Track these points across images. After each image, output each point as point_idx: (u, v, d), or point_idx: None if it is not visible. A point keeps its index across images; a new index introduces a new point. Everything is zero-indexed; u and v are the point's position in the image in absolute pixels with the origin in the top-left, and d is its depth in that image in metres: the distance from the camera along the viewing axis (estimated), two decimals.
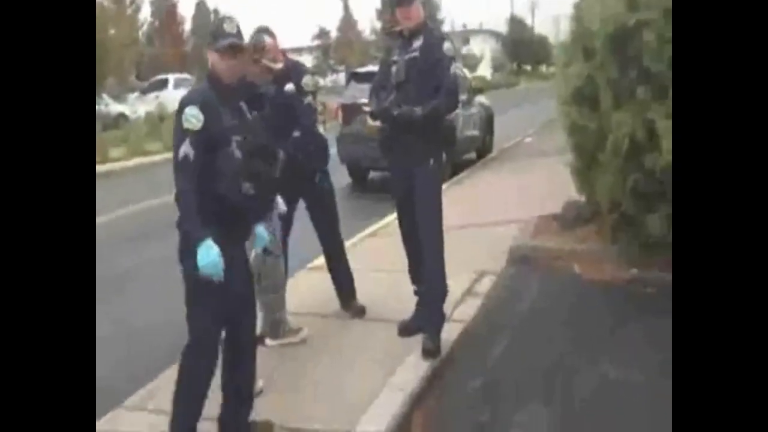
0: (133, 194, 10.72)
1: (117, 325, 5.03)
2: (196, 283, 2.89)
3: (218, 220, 2.87)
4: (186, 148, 2.84)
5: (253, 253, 3.25)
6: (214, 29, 3.14)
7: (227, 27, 3.02)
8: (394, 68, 4.16)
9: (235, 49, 3.01)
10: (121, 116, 23.10)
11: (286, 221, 4.42)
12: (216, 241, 2.81)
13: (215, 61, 3.01)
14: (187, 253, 2.88)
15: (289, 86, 4.48)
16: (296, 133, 4.47)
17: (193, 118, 2.85)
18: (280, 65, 4.37)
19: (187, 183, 2.84)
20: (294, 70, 4.54)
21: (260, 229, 3.24)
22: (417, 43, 4.11)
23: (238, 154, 2.92)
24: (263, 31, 4.46)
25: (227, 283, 2.86)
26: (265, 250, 3.32)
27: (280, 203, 4.06)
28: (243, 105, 3.14)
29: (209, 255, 2.78)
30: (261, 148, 3.04)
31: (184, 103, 2.89)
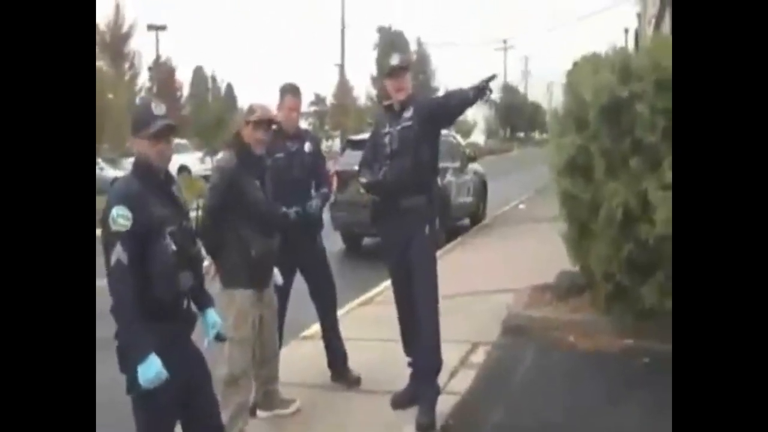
0: None
1: None
2: (137, 394, 2.70)
3: (158, 319, 2.71)
4: (118, 253, 2.62)
5: (206, 342, 3.11)
6: (142, 115, 2.88)
7: (156, 110, 2.83)
8: (386, 139, 4.20)
9: (170, 131, 2.87)
10: (114, 182, 23.26)
11: (284, 292, 4.39)
12: (158, 344, 2.65)
13: (145, 147, 2.81)
14: (125, 363, 2.70)
15: (308, 145, 4.58)
16: (324, 190, 4.65)
17: (121, 218, 2.64)
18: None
19: (123, 288, 2.63)
20: (306, 132, 4.65)
21: (211, 316, 3.04)
22: (408, 113, 4.16)
23: (172, 246, 2.75)
24: (287, 90, 4.57)
25: (174, 380, 2.68)
26: (218, 336, 3.09)
27: (278, 276, 4.06)
28: (174, 189, 2.94)
29: (150, 371, 2.61)
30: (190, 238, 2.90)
31: (109, 205, 2.67)
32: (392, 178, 4.12)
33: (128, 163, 28.22)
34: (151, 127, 2.79)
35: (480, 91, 3.87)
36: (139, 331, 2.65)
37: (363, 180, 4.28)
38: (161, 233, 2.73)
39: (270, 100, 4.56)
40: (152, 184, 2.81)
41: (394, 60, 4.32)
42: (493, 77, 3.92)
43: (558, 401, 4.41)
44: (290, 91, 4.60)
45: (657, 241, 4.70)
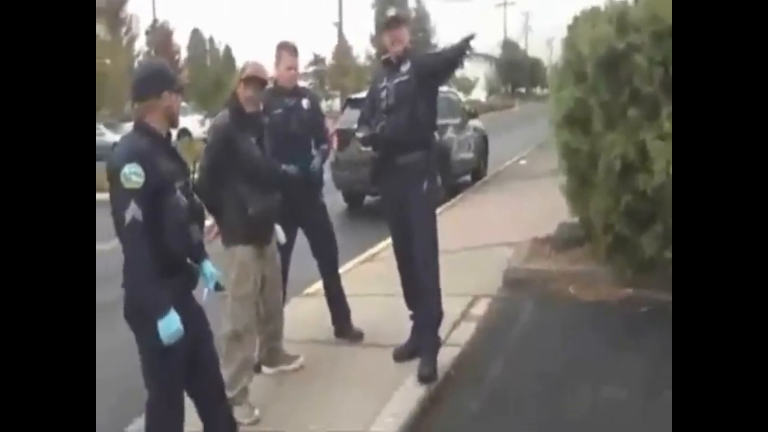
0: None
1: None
2: (153, 350, 2.75)
3: (170, 274, 2.75)
4: (133, 211, 2.62)
5: (205, 292, 3.14)
6: (165, 74, 2.94)
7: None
8: (383, 93, 4.19)
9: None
10: (116, 145, 23.16)
11: (286, 250, 4.42)
12: (173, 301, 2.70)
13: (172, 101, 2.88)
14: (140, 320, 2.74)
15: (306, 102, 4.58)
16: (324, 146, 4.68)
17: (134, 175, 2.64)
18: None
19: (140, 246, 2.64)
20: (304, 89, 4.65)
21: (207, 267, 3.06)
22: (405, 68, 4.15)
23: (183, 201, 2.80)
24: (283, 48, 4.55)
25: (186, 335, 2.73)
26: (217, 286, 3.13)
27: (280, 233, 4.08)
28: (177, 146, 2.98)
29: (171, 327, 2.66)
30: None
31: (119, 162, 2.66)
32: (389, 133, 4.13)
33: (127, 127, 27.94)
34: (177, 83, 2.91)
35: (465, 42, 3.87)
36: (157, 287, 2.68)
37: (359, 134, 4.29)
38: (172, 188, 2.77)
39: (268, 61, 4.54)
40: (158, 140, 2.84)
41: (391, 12, 4.33)
42: (472, 36, 3.92)
43: (558, 351, 4.47)
44: (286, 48, 4.57)
45: (655, 191, 4.72)
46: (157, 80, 2.88)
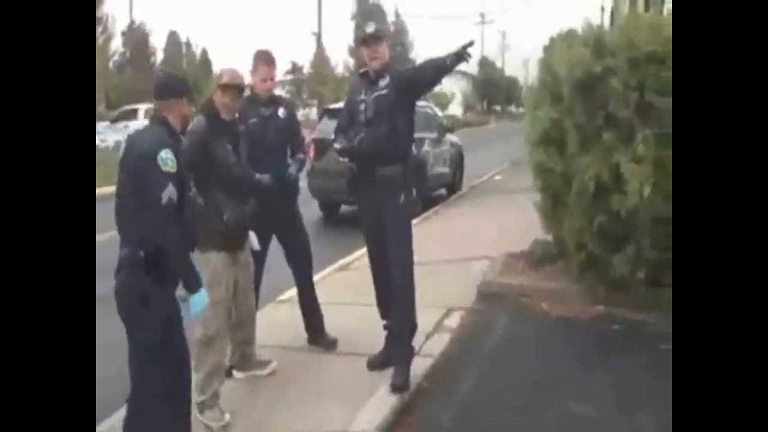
0: (99, 224, 10.55)
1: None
2: (156, 339, 2.82)
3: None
4: (170, 191, 2.80)
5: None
6: (187, 83, 3.28)
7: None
8: (362, 107, 4.23)
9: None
10: (135, 135, 22.87)
11: (260, 257, 4.42)
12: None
13: (185, 108, 3.14)
14: (138, 312, 2.81)
15: (282, 111, 4.59)
16: (300, 155, 4.70)
17: (170, 161, 2.83)
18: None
19: (173, 228, 2.81)
20: (281, 98, 4.65)
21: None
22: (384, 82, 4.19)
23: (198, 198, 3.03)
24: (260, 59, 4.52)
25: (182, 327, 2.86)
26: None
27: (254, 240, 4.09)
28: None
29: (202, 302, 2.83)
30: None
31: (154, 147, 2.84)
32: (367, 146, 4.17)
33: (102, 127, 27.24)
34: (192, 94, 3.21)
35: (458, 57, 3.91)
36: (191, 263, 2.87)
37: (337, 146, 4.32)
38: (187, 180, 3.00)
39: (244, 67, 4.54)
40: (176, 137, 3.08)
41: (370, 28, 4.33)
42: (471, 43, 3.96)
43: (530, 366, 4.53)
44: (264, 59, 4.52)
45: (629, 212, 4.82)
46: (180, 85, 3.20)
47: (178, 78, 3.33)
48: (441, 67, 4.02)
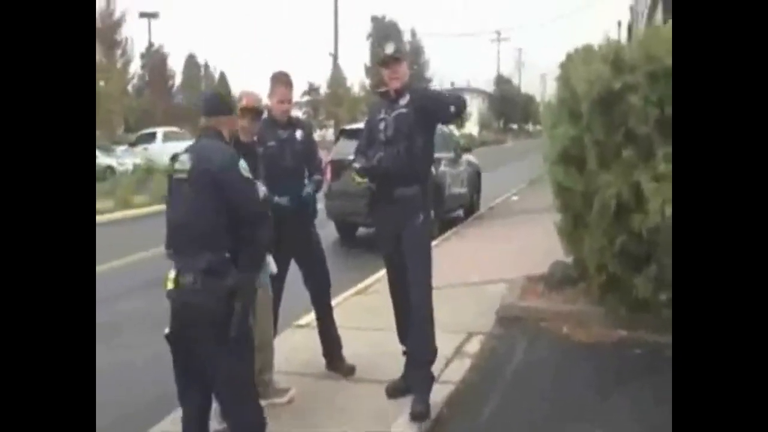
0: (119, 248, 10.60)
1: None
2: (245, 326, 3.07)
3: None
4: (262, 190, 3.36)
5: None
6: (234, 99, 3.58)
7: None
8: (381, 125, 4.20)
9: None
10: (109, 169, 23.10)
11: (278, 281, 4.37)
12: None
13: (235, 122, 3.46)
14: (230, 303, 2.98)
15: (300, 133, 4.57)
16: (318, 176, 4.69)
17: (246, 171, 3.13)
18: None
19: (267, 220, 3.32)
20: (298, 120, 4.65)
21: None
22: (404, 101, 4.16)
23: None
24: (278, 80, 4.54)
25: None
26: None
27: (272, 263, 4.05)
28: None
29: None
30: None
31: (232, 161, 3.11)
32: (386, 164, 4.13)
33: (120, 151, 27.59)
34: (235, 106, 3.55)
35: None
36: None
37: (356, 165, 4.29)
38: None
39: (262, 89, 4.54)
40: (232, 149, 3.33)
41: (389, 49, 4.30)
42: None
43: (552, 392, 4.44)
44: (281, 81, 4.54)
45: (650, 232, 4.73)
46: (231, 102, 3.47)
47: (228, 96, 3.54)
48: (457, 101, 4.11)
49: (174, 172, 3.16)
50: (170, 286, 3.08)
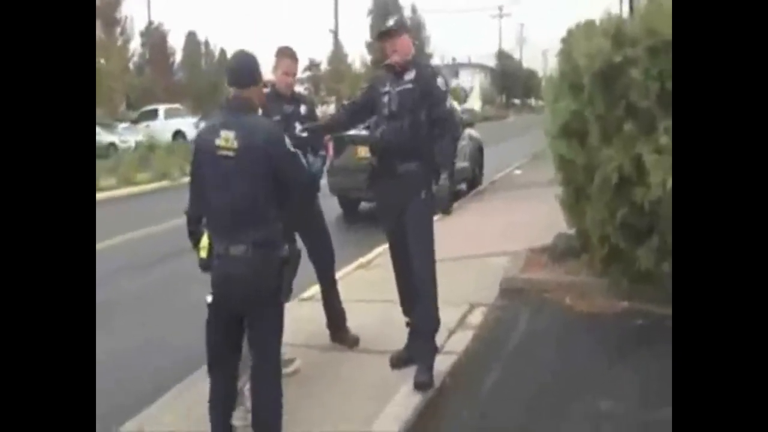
0: (121, 224, 10.63)
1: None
2: (279, 307, 3.28)
3: None
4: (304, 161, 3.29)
5: None
6: (258, 71, 3.36)
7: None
8: (385, 99, 4.21)
9: None
10: (111, 146, 23.11)
11: (296, 257, 4.41)
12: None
13: (262, 93, 3.44)
14: (281, 273, 3.22)
15: (304, 108, 4.60)
16: (322, 153, 4.70)
17: (290, 144, 3.18)
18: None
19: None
20: (302, 96, 4.66)
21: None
22: (409, 76, 4.16)
23: None
24: (284, 54, 4.57)
25: None
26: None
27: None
28: None
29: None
30: None
31: (281, 134, 3.21)
32: (389, 138, 4.15)
33: (122, 128, 27.45)
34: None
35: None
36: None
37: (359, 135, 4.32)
38: None
39: (263, 66, 4.54)
40: None
41: (389, 22, 4.32)
42: None
43: (554, 362, 4.49)
44: (287, 54, 4.57)
45: (652, 204, 4.75)
46: (258, 70, 3.34)
47: (256, 62, 3.36)
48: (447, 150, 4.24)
49: (216, 149, 3.11)
50: (203, 254, 3.20)
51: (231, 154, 3.07)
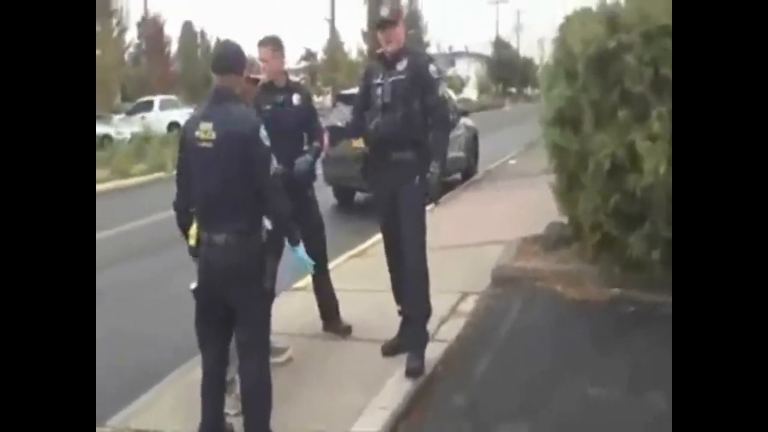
0: (116, 216, 10.60)
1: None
2: (265, 294, 3.31)
3: None
4: (275, 166, 3.19)
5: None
6: (245, 61, 3.34)
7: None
8: (378, 90, 4.21)
9: None
10: (106, 138, 23.02)
11: (278, 244, 4.40)
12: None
13: (242, 81, 3.37)
14: (263, 266, 3.24)
15: (296, 97, 4.57)
16: (316, 143, 4.66)
17: (266, 138, 3.15)
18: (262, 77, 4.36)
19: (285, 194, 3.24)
20: (296, 85, 4.62)
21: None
22: (401, 66, 4.16)
23: None
24: (264, 42, 4.52)
25: None
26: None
27: (267, 224, 4.07)
28: None
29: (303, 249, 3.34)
30: None
31: (255, 125, 3.14)
32: (383, 130, 4.15)
33: (117, 119, 27.29)
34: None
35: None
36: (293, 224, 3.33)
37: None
38: None
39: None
40: None
41: (384, 12, 4.29)
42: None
43: (545, 349, 4.50)
44: (260, 42, 4.51)
45: (644, 191, 4.76)
46: (242, 57, 3.30)
47: (240, 49, 3.32)
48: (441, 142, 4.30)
49: (196, 140, 3.13)
50: (192, 242, 3.25)
51: (209, 145, 3.09)
